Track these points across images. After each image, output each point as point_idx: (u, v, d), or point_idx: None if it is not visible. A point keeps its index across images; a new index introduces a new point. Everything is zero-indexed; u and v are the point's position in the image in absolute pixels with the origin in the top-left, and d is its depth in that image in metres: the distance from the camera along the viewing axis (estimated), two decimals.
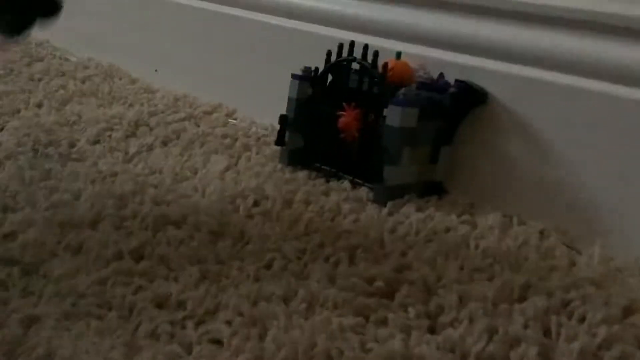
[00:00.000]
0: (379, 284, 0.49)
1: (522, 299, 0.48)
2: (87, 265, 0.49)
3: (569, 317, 0.46)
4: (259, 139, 0.81)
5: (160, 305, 0.46)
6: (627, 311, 0.46)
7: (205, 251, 0.52)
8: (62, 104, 0.90)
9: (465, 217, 0.61)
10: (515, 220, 0.61)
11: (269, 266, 0.51)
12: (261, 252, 0.53)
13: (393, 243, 0.55)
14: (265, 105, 0.83)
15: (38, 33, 1.36)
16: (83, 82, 1.03)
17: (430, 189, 0.66)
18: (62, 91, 0.95)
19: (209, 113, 0.90)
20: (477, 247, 0.55)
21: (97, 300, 0.45)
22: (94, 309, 0.44)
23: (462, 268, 0.52)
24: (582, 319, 0.45)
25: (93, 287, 0.46)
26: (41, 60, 1.14)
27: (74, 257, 0.51)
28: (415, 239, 0.56)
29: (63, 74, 1.06)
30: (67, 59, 1.18)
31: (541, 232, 0.58)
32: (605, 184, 0.58)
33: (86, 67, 1.10)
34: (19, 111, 0.85)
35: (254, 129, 0.84)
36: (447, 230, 0.58)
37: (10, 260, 0.49)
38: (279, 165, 0.72)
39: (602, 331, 0.43)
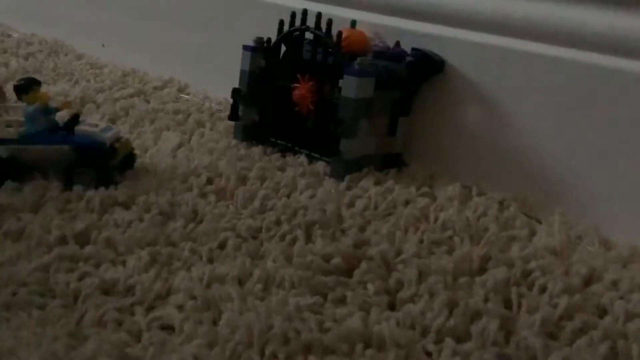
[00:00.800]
0: (337, 261, 0.47)
1: (482, 271, 0.47)
2: (29, 252, 0.47)
3: (530, 288, 0.45)
4: (212, 114, 0.79)
5: (107, 291, 0.43)
6: (588, 280, 0.46)
7: (155, 233, 0.50)
8: (3, 82, 0.86)
9: (424, 189, 0.60)
10: (474, 190, 0.60)
11: (222, 246, 0.49)
12: (214, 232, 0.51)
13: (351, 218, 0.54)
14: (219, 78, 0.81)
15: None
16: (26, 59, 0.99)
17: (389, 162, 0.65)
18: (3, 69, 0.92)
19: (160, 88, 0.88)
20: (436, 219, 0.54)
21: (40, 288, 0.43)
22: (36, 298, 0.42)
23: (421, 241, 0.51)
24: (543, 290, 0.45)
25: (35, 275, 0.44)
26: None
27: (14, 243, 0.48)
28: (374, 213, 0.55)
29: (5, 51, 1.02)
30: (9, 35, 1.14)
31: (501, 202, 0.58)
32: (564, 151, 0.58)
33: (29, 44, 1.07)
34: None
35: (207, 104, 0.82)
36: (407, 203, 0.57)
37: None
38: (233, 141, 0.70)
39: (563, 301, 0.42)
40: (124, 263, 0.46)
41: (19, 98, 0.58)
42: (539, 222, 0.56)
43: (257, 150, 0.68)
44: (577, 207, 0.56)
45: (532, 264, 0.47)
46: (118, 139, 0.60)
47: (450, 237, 0.52)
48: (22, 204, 0.53)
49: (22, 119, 0.58)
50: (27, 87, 0.58)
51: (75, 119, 0.58)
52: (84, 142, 0.57)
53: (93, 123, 0.60)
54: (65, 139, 0.57)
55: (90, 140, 0.57)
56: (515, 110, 0.60)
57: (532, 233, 0.53)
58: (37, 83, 0.59)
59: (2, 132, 0.57)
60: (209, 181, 0.59)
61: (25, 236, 0.49)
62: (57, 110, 0.59)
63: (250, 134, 0.70)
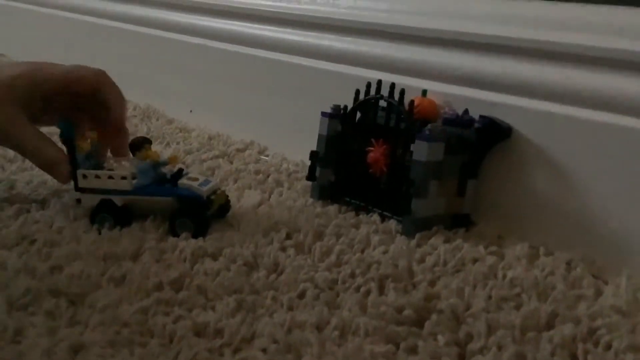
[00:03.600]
0: (409, 312, 0.50)
1: (549, 327, 0.49)
2: (130, 296, 0.52)
3: (596, 345, 0.46)
4: (290, 174, 0.83)
5: (199, 333, 0.48)
6: None
7: (241, 282, 0.54)
8: None
9: (492, 248, 0.62)
10: (542, 251, 0.62)
11: (301, 296, 0.53)
12: (294, 283, 0.55)
13: (422, 273, 0.56)
14: (295, 142, 0.85)
15: None
16: None
17: (458, 221, 0.67)
18: None
19: (242, 150, 0.94)
20: (504, 277, 0.56)
21: (140, 328, 0.48)
22: (137, 337, 0.47)
23: (490, 297, 0.53)
24: (609, 347, 0.46)
25: (135, 316, 0.49)
26: None
27: (116, 288, 0.53)
28: (443, 270, 0.58)
29: None
30: None
31: (568, 263, 0.59)
32: (630, 215, 0.59)
33: None
34: None
35: (285, 165, 0.87)
36: (475, 260, 0.59)
37: (57, 292, 0.52)
38: (310, 200, 0.74)
39: (629, 358, 0.44)
40: (213, 308, 0.51)
41: (133, 154, 0.66)
42: (606, 282, 0.57)
43: (332, 208, 0.72)
44: None
45: (599, 322, 0.48)
46: (215, 191, 0.66)
47: (518, 294, 0.53)
48: (123, 253, 0.58)
49: (135, 171, 0.65)
50: (139, 145, 0.65)
51: (179, 173, 0.65)
52: (184, 195, 0.64)
53: (194, 177, 0.66)
54: (169, 192, 0.64)
55: (189, 193, 0.64)
56: (582, 174, 0.62)
57: (599, 293, 0.55)
58: (149, 142, 0.66)
59: (118, 184, 0.64)
60: (288, 236, 0.63)
61: (126, 282, 0.54)
62: (166, 163, 0.66)
63: (326, 193, 0.74)
